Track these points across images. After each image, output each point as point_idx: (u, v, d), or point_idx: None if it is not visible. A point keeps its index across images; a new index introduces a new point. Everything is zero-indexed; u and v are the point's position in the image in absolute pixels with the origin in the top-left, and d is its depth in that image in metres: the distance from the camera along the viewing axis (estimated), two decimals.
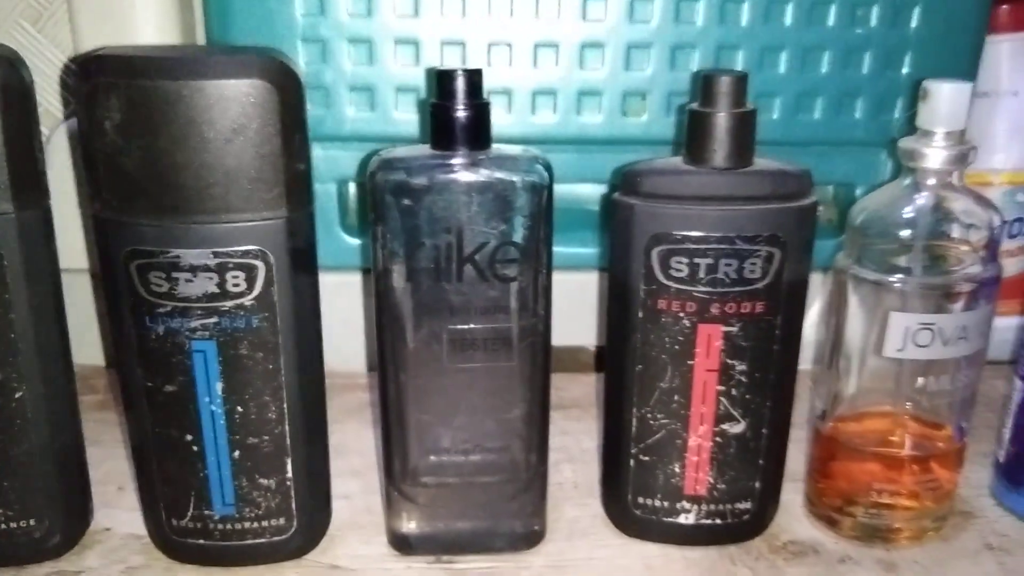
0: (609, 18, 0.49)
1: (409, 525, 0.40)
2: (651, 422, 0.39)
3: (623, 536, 0.42)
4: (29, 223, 0.35)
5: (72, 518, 0.40)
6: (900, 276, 0.38)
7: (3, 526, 0.38)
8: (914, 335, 0.37)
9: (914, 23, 0.51)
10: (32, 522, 0.38)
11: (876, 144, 0.53)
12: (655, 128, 0.51)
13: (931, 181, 0.38)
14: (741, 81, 0.35)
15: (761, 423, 0.39)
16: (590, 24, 0.49)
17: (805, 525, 0.43)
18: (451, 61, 0.50)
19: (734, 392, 0.38)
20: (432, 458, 0.39)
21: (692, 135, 0.36)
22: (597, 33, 0.49)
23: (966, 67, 0.53)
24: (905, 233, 0.38)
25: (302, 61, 0.50)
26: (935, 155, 0.37)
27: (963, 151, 0.37)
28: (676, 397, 0.38)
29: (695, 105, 0.36)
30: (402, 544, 0.41)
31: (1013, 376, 0.43)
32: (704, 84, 0.35)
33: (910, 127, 0.38)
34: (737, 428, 0.39)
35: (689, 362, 0.38)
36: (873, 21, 0.50)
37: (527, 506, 0.40)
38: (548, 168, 0.36)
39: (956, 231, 0.38)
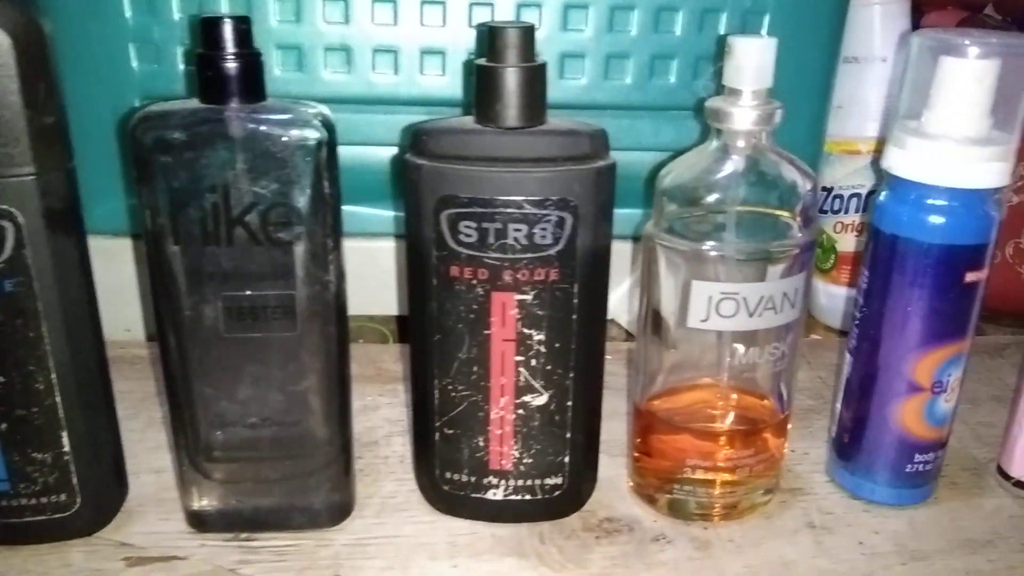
0: None
1: (203, 501, 0.38)
2: (452, 394, 0.37)
3: (436, 513, 0.40)
4: None
5: None
6: (712, 244, 0.36)
7: None
8: (717, 305, 0.35)
9: None
10: None
11: None
12: None
13: (740, 143, 0.36)
14: (528, 33, 0.33)
15: (565, 395, 0.37)
16: None
17: (628, 502, 0.41)
18: (284, 15, 0.47)
19: (533, 363, 0.36)
20: (220, 432, 0.37)
21: (479, 92, 0.34)
22: None
23: (828, 30, 0.51)
24: (715, 199, 0.36)
25: (128, 14, 0.47)
26: (743, 115, 0.35)
27: (770, 110, 0.35)
28: (475, 368, 0.37)
29: (483, 60, 0.34)
30: (197, 521, 0.39)
31: (844, 351, 0.41)
32: (490, 37, 0.33)
33: (717, 87, 0.36)
34: (539, 400, 0.37)
35: (485, 332, 0.36)
36: None
37: (327, 482, 0.38)
38: (329, 125, 0.34)
39: (769, 196, 0.37)
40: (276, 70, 0.48)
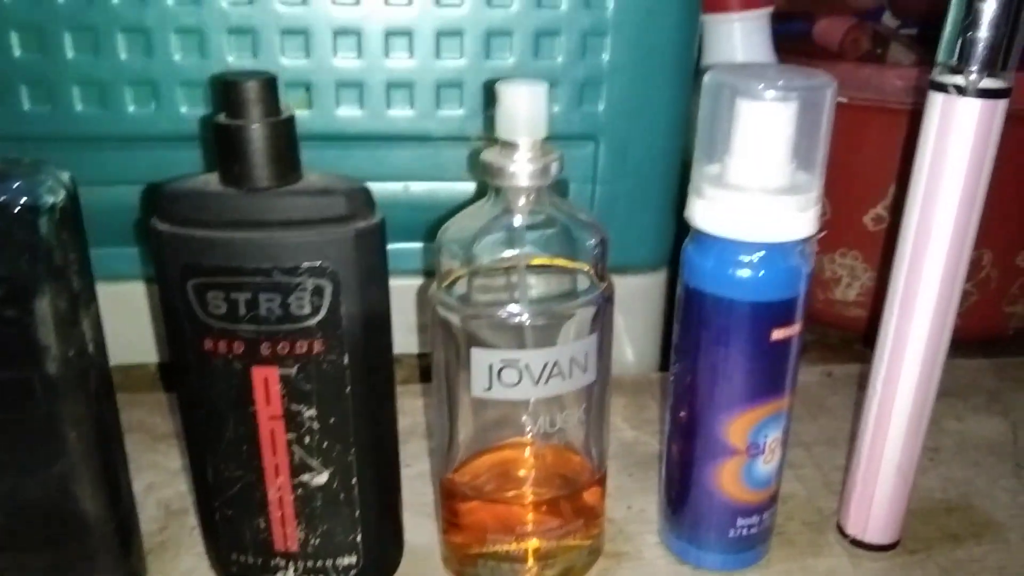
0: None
1: None
2: (226, 474, 0.34)
3: None
4: None
5: None
6: (496, 308, 0.33)
7: None
8: (499, 373, 0.33)
9: (610, 5, 0.46)
10: None
11: (579, 137, 0.48)
12: (319, 122, 0.46)
13: (521, 200, 0.33)
14: (270, 84, 0.30)
15: (348, 472, 0.34)
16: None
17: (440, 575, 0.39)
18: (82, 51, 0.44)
19: (307, 440, 0.33)
20: None
21: (221, 152, 0.31)
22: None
23: (677, 49, 0.48)
24: (496, 259, 0.34)
25: None
26: (521, 171, 0.32)
27: (549, 162, 0.32)
28: (245, 447, 0.34)
29: (221, 117, 0.31)
30: None
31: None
32: (226, 91, 0.30)
33: (489, 137, 0.33)
34: (320, 479, 0.34)
35: (250, 409, 0.33)
36: (563, 5, 0.45)
37: (102, 566, 0.35)
38: (67, 186, 0.31)
39: (556, 252, 0.34)
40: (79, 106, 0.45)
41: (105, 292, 0.34)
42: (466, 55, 0.46)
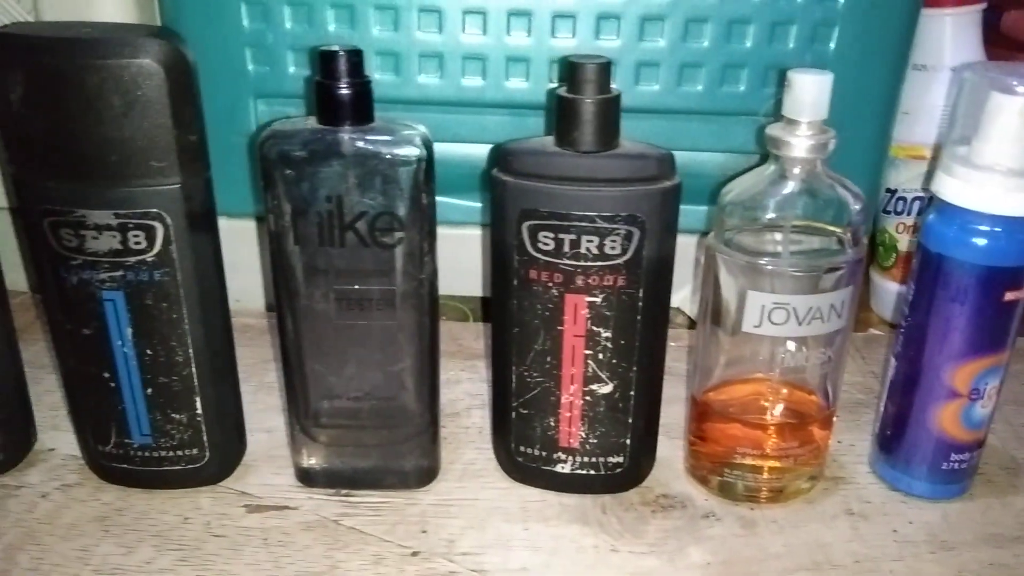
0: None
1: (310, 461, 0.44)
2: (528, 380, 0.42)
3: (510, 480, 0.46)
4: None
5: (13, 437, 0.45)
6: (767, 259, 0.40)
7: None
8: (770, 313, 0.39)
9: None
10: None
11: None
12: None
13: (796, 169, 0.39)
14: (605, 68, 0.37)
15: (628, 385, 0.42)
16: None
17: (682, 481, 0.46)
18: (384, 26, 0.52)
19: (600, 356, 0.41)
20: (327, 403, 0.43)
21: (559, 119, 0.38)
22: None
23: (897, 41, 0.53)
24: (771, 218, 0.40)
25: (245, 22, 0.52)
26: (799, 144, 0.38)
27: (824, 140, 0.38)
28: (548, 358, 0.41)
29: (563, 90, 0.38)
30: (305, 477, 0.45)
31: (890, 355, 0.45)
32: (570, 70, 0.37)
33: (776, 114, 0.40)
34: (605, 389, 0.42)
35: (559, 328, 0.41)
36: None
37: (417, 449, 0.44)
38: (427, 143, 0.38)
39: (821, 215, 0.40)
40: (376, 75, 0.53)
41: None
42: (708, 41, 0.52)
